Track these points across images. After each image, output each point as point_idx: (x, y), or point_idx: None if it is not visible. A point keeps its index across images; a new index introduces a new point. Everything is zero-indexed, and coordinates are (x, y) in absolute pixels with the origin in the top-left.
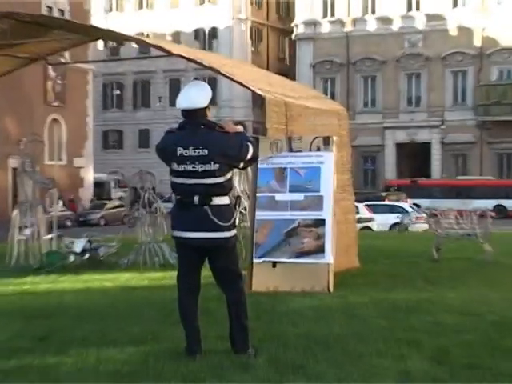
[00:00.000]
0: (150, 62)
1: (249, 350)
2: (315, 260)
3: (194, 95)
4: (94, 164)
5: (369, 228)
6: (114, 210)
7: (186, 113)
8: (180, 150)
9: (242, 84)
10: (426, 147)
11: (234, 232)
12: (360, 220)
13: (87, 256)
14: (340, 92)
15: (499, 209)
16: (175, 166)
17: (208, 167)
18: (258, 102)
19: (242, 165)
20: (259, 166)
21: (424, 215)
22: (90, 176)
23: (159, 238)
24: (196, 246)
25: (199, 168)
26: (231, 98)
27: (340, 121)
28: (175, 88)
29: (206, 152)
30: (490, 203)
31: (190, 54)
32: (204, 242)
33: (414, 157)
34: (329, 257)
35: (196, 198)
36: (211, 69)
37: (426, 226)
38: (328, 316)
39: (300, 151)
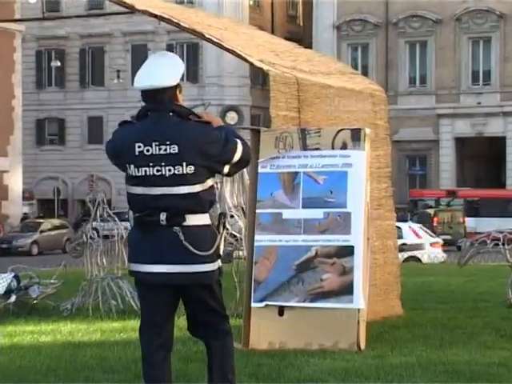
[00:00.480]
0: (103, 22)
1: None
2: (340, 305)
3: (159, 70)
4: (24, 167)
5: (417, 259)
6: (53, 233)
7: (148, 95)
8: (140, 148)
9: (235, 53)
10: (499, 143)
11: (217, 264)
12: (404, 248)
13: (13, 299)
14: (375, 65)
15: None
16: (133, 170)
17: (179, 170)
18: (259, 79)
19: (226, 169)
20: (260, 170)
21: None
22: (18, 184)
23: (117, 273)
24: (163, 285)
25: (166, 172)
26: (220, 74)
27: (375, 106)
28: (140, 58)
29: (175, 149)
30: None
31: (161, 11)
32: (175, 278)
33: (482, 157)
34: (359, 300)
35: (162, 216)
36: (192, 31)
37: (441, 256)
38: None
39: (318, 149)
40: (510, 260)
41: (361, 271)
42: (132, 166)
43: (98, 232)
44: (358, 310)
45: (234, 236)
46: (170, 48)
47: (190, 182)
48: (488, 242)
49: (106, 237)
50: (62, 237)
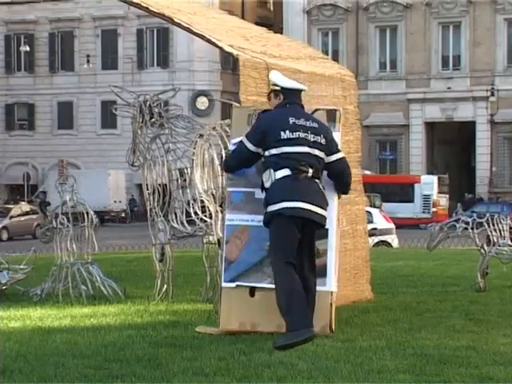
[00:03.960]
0: (73, 6)
1: None
2: None
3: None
4: None
5: (387, 243)
6: (23, 218)
7: (294, 93)
8: (292, 120)
9: (204, 38)
10: (469, 128)
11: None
12: (374, 232)
13: None
14: (346, 49)
15: None
16: (287, 134)
17: (318, 139)
18: (230, 64)
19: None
20: (232, 145)
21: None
22: None
23: (87, 258)
24: (302, 218)
25: (311, 138)
26: (190, 59)
27: (345, 91)
28: (110, 43)
29: (316, 125)
30: None
31: None
32: (315, 216)
33: (453, 142)
34: (332, 283)
35: (311, 170)
36: (161, 16)
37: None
38: (329, 369)
39: None
40: (479, 244)
41: (334, 254)
42: (287, 131)
43: (69, 216)
44: (331, 293)
45: (205, 221)
46: (140, 33)
47: (322, 149)
48: (457, 226)
49: (76, 221)
50: (31, 222)
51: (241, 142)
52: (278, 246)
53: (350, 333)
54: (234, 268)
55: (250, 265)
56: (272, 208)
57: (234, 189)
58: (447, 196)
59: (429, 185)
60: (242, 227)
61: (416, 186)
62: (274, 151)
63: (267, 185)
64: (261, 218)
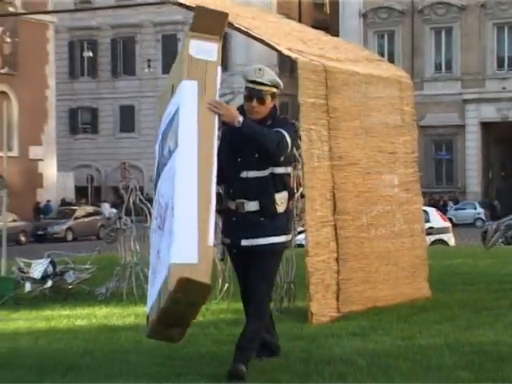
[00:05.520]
0: (134, 12)
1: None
2: None
3: None
4: (58, 155)
5: (443, 242)
6: (87, 220)
7: None
8: None
9: (263, 42)
10: None
11: None
12: (431, 231)
13: (50, 284)
14: (402, 51)
15: None
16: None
17: None
18: (287, 67)
19: None
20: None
21: None
22: (52, 172)
23: None
24: None
25: None
26: (248, 62)
27: (402, 92)
28: (170, 48)
29: None
30: None
31: (191, 1)
32: None
33: (508, 142)
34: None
35: None
36: None
37: None
38: (388, 366)
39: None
40: None
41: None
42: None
43: (132, 217)
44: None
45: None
46: None
47: None
48: None
49: (139, 222)
50: (95, 223)
51: (282, 136)
52: (274, 280)
53: (408, 330)
54: None
55: None
56: (286, 238)
57: None
58: None
59: None
60: None
61: None
62: (289, 170)
63: (281, 209)
64: None
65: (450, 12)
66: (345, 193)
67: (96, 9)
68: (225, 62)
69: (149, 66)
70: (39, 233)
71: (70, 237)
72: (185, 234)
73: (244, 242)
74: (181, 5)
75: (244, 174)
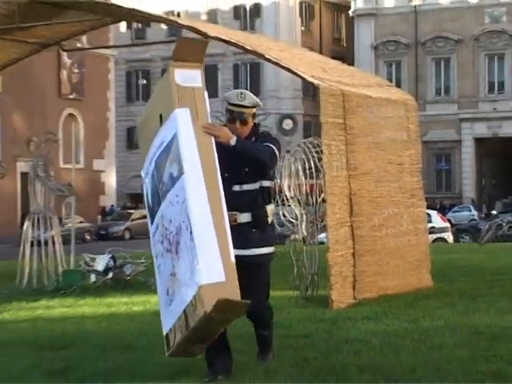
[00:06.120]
0: None
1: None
2: None
3: None
4: (117, 167)
5: (443, 240)
6: (141, 221)
7: None
8: None
9: (290, 71)
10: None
11: None
12: (433, 230)
13: (111, 275)
14: (407, 78)
15: None
16: None
17: None
18: (310, 91)
19: None
20: None
21: None
22: (112, 181)
23: None
24: None
25: None
26: (277, 88)
27: (408, 112)
28: (211, 76)
29: None
30: None
31: (229, 36)
32: None
33: (498, 155)
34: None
35: None
36: (255, 53)
37: None
38: (397, 345)
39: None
40: None
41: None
42: None
43: None
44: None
45: (291, 222)
46: (236, 67)
47: None
48: (504, 224)
49: None
50: None
51: (272, 149)
52: (269, 286)
53: (414, 315)
54: None
55: None
56: (273, 250)
57: None
58: None
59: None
60: None
61: None
62: (273, 184)
63: (269, 221)
64: None
65: (448, 45)
66: (360, 198)
67: (149, 44)
68: (258, 88)
69: None
70: (102, 232)
71: (127, 236)
72: (208, 254)
73: (236, 252)
74: (221, 40)
75: (237, 188)
